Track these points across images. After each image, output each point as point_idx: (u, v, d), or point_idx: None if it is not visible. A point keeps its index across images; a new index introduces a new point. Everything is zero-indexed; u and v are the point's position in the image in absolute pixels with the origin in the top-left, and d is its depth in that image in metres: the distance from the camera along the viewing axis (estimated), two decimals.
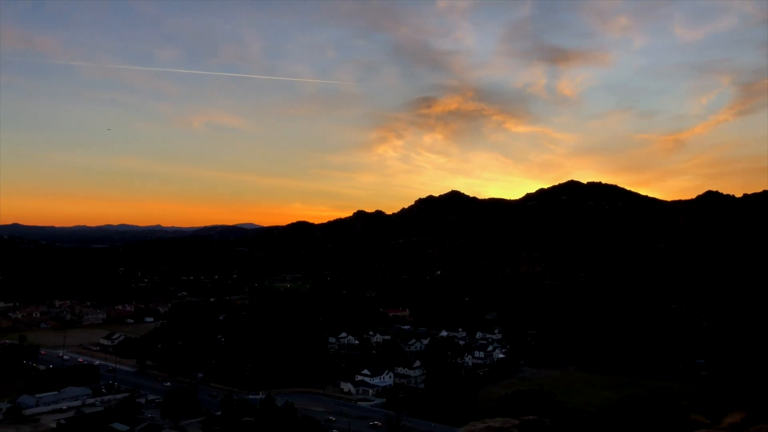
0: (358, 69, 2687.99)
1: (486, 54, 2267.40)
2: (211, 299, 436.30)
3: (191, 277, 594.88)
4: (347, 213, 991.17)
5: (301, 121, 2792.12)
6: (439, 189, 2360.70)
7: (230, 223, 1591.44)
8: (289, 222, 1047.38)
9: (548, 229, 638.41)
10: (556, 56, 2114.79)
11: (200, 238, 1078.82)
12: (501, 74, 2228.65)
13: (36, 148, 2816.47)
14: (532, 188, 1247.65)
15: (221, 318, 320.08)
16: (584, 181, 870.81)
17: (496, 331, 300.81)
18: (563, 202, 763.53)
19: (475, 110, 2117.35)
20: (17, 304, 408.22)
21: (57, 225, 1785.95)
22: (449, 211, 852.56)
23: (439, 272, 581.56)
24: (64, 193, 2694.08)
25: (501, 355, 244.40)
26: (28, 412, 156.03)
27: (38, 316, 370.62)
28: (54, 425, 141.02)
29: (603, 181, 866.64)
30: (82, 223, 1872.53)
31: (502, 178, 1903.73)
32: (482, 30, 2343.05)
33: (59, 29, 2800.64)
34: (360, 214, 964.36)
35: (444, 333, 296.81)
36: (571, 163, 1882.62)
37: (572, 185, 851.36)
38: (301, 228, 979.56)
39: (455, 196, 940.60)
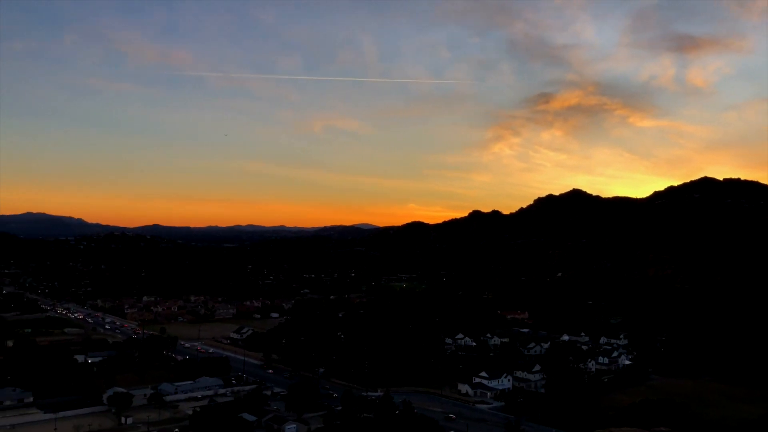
0: (472, 67, 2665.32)
1: (607, 46, 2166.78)
2: (331, 297, 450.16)
3: (312, 275, 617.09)
4: (462, 213, 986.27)
5: (416, 122, 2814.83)
6: (558, 187, 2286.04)
7: (348, 223, 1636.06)
8: (405, 222, 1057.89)
9: (679, 230, 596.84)
10: (685, 45, 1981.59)
11: (320, 238, 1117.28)
12: (624, 66, 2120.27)
13: (173, 155, 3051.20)
14: (660, 186, 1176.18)
15: (340, 315, 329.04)
16: (719, 177, 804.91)
17: (621, 336, 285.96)
18: (695, 201, 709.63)
19: (596, 105, 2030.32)
20: (158, 298, 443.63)
21: (192, 225, 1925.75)
22: (570, 210, 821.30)
23: (559, 274, 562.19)
24: (198, 196, 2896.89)
25: (627, 362, 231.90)
26: (168, 398, 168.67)
27: (176, 310, 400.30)
28: (190, 412, 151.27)
29: (741, 177, 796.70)
30: (214, 224, 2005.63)
31: (627, 176, 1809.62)
32: (603, 21, 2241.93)
33: (191, 43, 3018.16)
34: (476, 214, 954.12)
35: (565, 337, 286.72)
36: (703, 159, 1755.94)
37: (706, 182, 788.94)
38: (416, 228, 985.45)
39: (576, 195, 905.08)
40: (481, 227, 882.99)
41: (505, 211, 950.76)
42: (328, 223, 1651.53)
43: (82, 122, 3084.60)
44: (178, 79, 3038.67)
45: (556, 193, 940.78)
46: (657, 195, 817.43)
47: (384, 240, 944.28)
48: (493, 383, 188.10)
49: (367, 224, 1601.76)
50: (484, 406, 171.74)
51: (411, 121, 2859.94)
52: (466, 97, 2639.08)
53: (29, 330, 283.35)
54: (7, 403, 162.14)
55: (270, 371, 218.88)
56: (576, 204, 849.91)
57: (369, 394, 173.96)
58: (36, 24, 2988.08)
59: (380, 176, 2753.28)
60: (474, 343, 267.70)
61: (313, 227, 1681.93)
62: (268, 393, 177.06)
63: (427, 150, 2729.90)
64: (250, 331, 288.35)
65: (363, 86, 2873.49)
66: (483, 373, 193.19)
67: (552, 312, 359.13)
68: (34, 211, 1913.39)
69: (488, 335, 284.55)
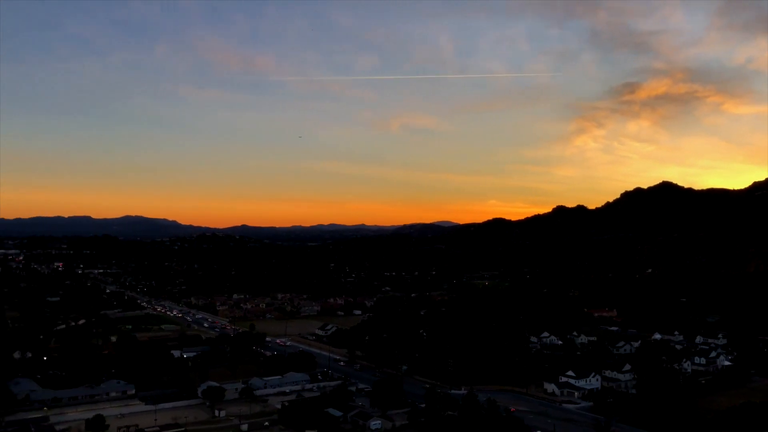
0: (552, 59, 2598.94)
1: (697, 31, 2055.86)
2: (412, 295, 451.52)
3: (393, 273, 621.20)
4: (545, 209, 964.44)
5: (494, 117, 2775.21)
6: (647, 180, 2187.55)
7: (428, 221, 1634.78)
8: (486, 219, 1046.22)
9: None
10: None
11: (400, 236, 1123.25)
12: (716, 51, 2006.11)
13: (258, 158, 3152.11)
14: (760, 176, 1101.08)
15: (422, 313, 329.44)
16: None
17: (720, 335, 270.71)
18: None
19: (686, 93, 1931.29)
20: (247, 296, 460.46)
21: (277, 225, 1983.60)
22: (660, 203, 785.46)
23: (649, 270, 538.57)
24: (283, 197, 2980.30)
25: (726, 363, 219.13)
26: (258, 392, 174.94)
27: (264, 307, 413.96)
28: (279, 406, 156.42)
29: None
30: (297, 224, 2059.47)
31: (722, 166, 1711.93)
32: (692, 4, 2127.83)
33: (274, 48, 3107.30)
34: (559, 210, 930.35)
35: (657, 336, 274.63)
36: None
37: None
38: (497, 225, 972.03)
39: (666, 187, 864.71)
40: (565, 223, 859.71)
41: (590, 206, 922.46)
42: (408, 221, 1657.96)
43: (174, 129, 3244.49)
44: (261, 84, 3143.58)
45: (645, 186, 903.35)
46: (756, 186, 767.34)
47: (465, 237, 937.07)
48: (581, 383, 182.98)
49: (447, 222, 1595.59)
50: (571, 406, 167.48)
51: (489, 117, 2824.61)
52: (546, 90, 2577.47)
53: (130, 326, 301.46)
54: (113, 394, 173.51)
55: (354, 367, 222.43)
56: (666, 197, 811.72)
57: (453, 391, 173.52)
58: (131, 38, 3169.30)
59: (459, 173, 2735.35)
60: (560, 342, 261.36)
61: (393, 225, 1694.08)
62: (353, 389, 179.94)
63: (507, 145, 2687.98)
64: (334, 328, 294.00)
65: (440, 83, 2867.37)
66: (570, 372, 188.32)
67: (642, 310, 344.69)
68: (132, 214, 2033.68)
69: (574, 333, 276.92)
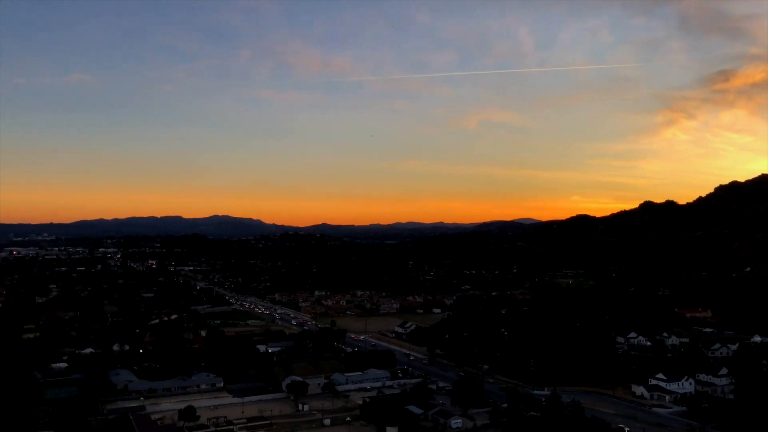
0: (637, 49, 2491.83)
1: None
2: (493, 293, 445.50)
3: (473, 271, 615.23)
4: (632, 204, 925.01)
5: (576, 111, 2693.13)
6: (744, 173, 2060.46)
7: (508, 218, 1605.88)
8: (569, 216, 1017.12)
9: None
10: None
11: (480, 234, 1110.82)
12: None
13: (337, 157, 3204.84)
14: None
15: (503, 312, 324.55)
16: None
17: None
18: None
19: None
20: (328, 293, 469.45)
21: (356, 224, 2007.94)
22: (759, 197, 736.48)
23: (748, 269, 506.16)
24: (362, 195, 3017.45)
25: None
26: (340, 388, 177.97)
27: (344, 304, 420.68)
28: (360, 402, 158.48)
29: None
30: (376, 222, 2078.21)
31: None
32: None
33: (350, 48, 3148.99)
34: (647, 205, 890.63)
35: (757, 338, 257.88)
36: None
37: None
38: (581, 221, 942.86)
39: (766, 181, 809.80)
40: (653, 219, 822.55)
41: (681, 201, 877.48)
42: (488, 219, 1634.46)
43: (257, 132, 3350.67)
44: (339, 85, 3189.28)
45: (741, 179, 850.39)
46: None
47: (547, 234, 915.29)
48: (672, 386, 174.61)
49: (528, 219, 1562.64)
50: (662, 410, 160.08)
51: (571, 110, 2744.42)
52: (631, 81, 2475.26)
53: (218, 321, 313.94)
54: (203, 386, 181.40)
55: (434, 366, 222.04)
56: (766, 191, 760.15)
57: (535, 392, 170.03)
58: (215, 45, 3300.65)
59: (540, 168, 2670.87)
60: (648, 343, 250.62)
61: (472, 223, 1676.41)
62: (433, 387, 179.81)
63: (590, 139, 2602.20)
64: (414, 326, 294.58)
65: (519, 77, 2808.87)
66: (660, 375, 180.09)
67: (740, 310, 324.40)
68: (220, 214, 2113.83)
69: (665, 334, 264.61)
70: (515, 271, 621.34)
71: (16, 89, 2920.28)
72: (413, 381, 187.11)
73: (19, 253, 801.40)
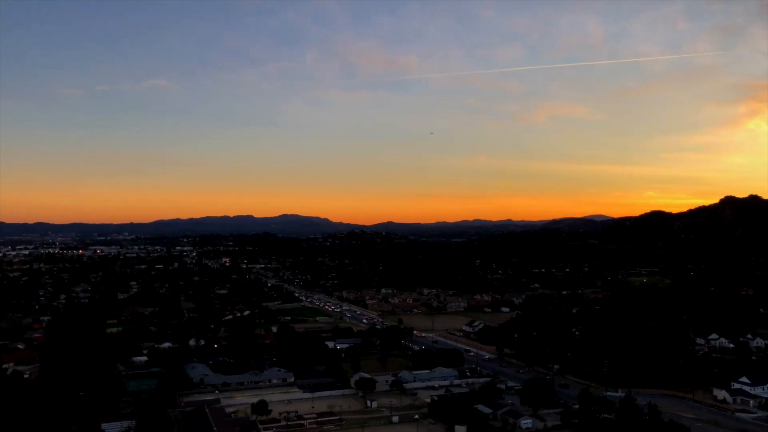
0: (715, 37, 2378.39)
1: None
2: (563, 292, 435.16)
3: (542, 270, 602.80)
4: (711, 200, 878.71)
5: (650, 103, 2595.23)
6: None
7: (579, 215, 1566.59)
8: (642, 212, 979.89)
9: None
10: None
11: (550, 231, 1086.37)
12: None
13: (403, 155, 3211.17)
14: None
15: (574, 311, 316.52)
16: None
17: None
18: None
19: None
20: (394, 291, 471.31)
21: (422, 222, 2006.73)
22: None
23: None
24: (428, 193, 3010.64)
25: None
26: (407, 386, 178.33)
27: (411, 302, 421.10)
28: (428, 400, 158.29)
29: None
30: (442, 220, 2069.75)
31: None
32: None
33: (416, 47, 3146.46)
34: (728, 200, 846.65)
35: None
36: None
37: None
38: (656, 218, 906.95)
39: None
40: (736, 215, 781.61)
41: (765, 196, 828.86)
42: (558, 216, 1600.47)
43: (324, 132, 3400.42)
44: (405, 83, 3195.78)
45: None
46: None
47: (619, 232, 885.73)
48: (757, 390, 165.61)
49: (599, 215, 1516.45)
50: (746, 415, 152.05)
51: (644, 102, 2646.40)
52: (709, 71, 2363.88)
53: (288, 318, 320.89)
54: (274, 381, 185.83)
55: (503, 365, 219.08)
56: None
57: (608, 393, 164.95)
58: (284, 47, 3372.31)
59: (612, 163, 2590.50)
60: (731, 345, 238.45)
61: (542, 220, 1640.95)
62: (502, 387, 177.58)
63: (665, 132, 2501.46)
64: (482, 325, 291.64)
65: (589, 70, 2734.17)
66: (744, 378, 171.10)
67: None
68: (289, 213, 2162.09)
69: (748, 336, 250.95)
70: (586, 269, 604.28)
71: (102, 96, 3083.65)
72: (482, 380, 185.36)
73: (102, 251, 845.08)
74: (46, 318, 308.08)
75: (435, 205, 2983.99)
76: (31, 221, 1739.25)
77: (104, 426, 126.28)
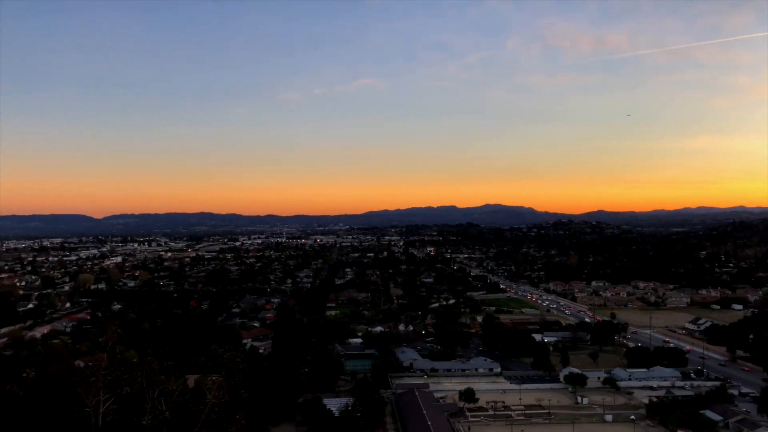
0: None
1: None
2: None
3: None
4: None
5: None
6: None
7: None
8: None
9: None
10: None
11: None
12: None
13: (613, 139, 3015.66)
14: None
15: None
16: None
17: None
18: None
19: None
20: (606, 284, 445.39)
21: (636, 210, 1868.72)
22: None
23: None
24: (642, 179, 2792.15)
25: None
26: (621, 384, 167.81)
27: (624, 296, 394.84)
28: (646, 401, 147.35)
29: None
30: (659, 207, 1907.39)
31: None
32: None
33: (627, 23, 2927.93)
34: None
35: None
36: None
37: None
38: None
39: None
40: None
41: None
42: None
43: (527, 119, 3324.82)
44: (614, 63, 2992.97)
45: None
46: None
47: None
48: None
49: None
50: None
51: None
52: None
53: (493, 308, 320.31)
54: (481, 370, 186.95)
55: (735, 368, 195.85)
56: None
57: None
58: (485, 36, 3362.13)
59: None
60: None
61: None
62: (735, 392, 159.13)
63: None
64: (708, 323, 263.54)
65: None
66: None
67: None
68: (492, 203, 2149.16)
69: None
70: None
71: (318, 98, 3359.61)
72: (709, 383, 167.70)
73: (321, 240, 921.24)
74: (276, 300, 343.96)
75: (650, 191, 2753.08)
76: (262, 214, 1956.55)
77: (325, 401, 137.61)
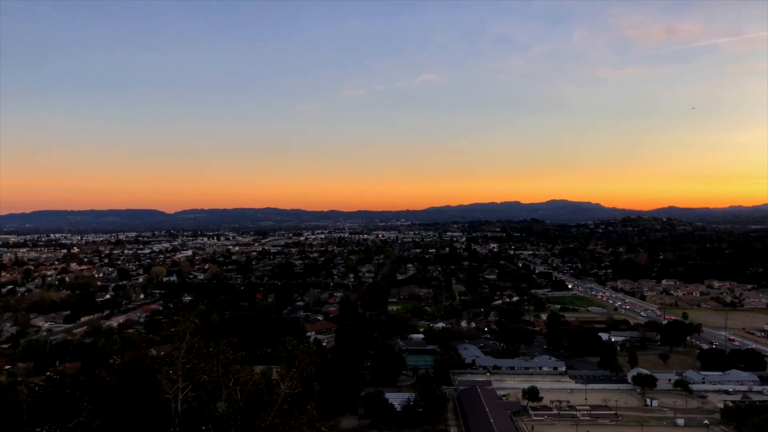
0: None
1: None
2: None
3: None
4: None
5: None
6: None
7: None
8: None
9: None
10: None
11: None
12: None
13: (684, 132, 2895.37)
14: None
15: None
16: None
17: None
18: None
19: None
20: (677, 282, 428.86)
21: (711, 206, 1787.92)
22: None
23: None
24: (714, 174, 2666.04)
25: None
26: (694, 387, 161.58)
27: (697, 295, 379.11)
28: (721, 405, 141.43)
29: None
30: (736, 204, 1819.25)
31: None
32: None
33: (702, 10, 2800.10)
34: None
35: None
36: None
37: None
38: None
39: None
40: None
41: None
42: None
43: (596, 112, 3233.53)
44: (686, 53, 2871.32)
45: None
46: None
47: None
48: None
49: None
50: None
51: None
52: None
53: (558, 306, 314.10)
54: (545, 369, 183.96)
55: None
56: None
57: None
58: (550, 29, 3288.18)
59: None
60: None
61: None
62: None
63: None
64: None
65: None
66: None
67: None
68: (557, 198, 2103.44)
69: None
70: None
71: (379, 94, 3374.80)
72: None
73: (382, 236, 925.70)
74: (339, 294, 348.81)
75: (726, 186, 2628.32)
76: (326, 209, 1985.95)
77: (387, 395, 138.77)
